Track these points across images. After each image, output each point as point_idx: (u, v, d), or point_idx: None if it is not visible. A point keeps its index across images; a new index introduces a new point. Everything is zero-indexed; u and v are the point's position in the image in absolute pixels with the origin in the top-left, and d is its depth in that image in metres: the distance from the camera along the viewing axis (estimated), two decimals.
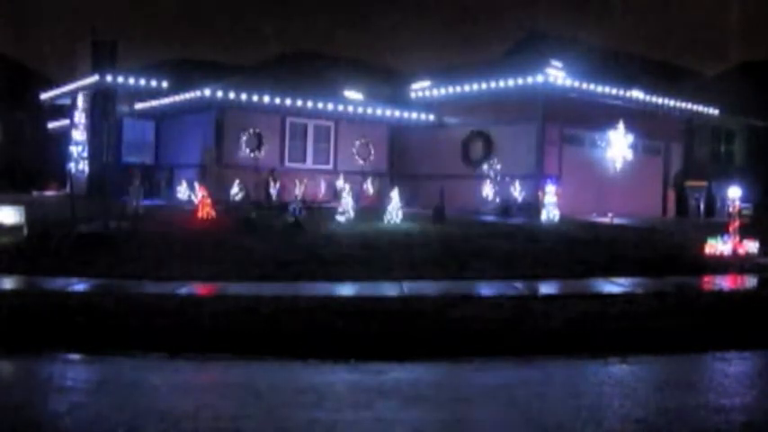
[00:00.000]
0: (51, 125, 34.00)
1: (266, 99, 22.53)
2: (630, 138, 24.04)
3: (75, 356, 6.71)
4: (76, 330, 7.11)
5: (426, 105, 25.58)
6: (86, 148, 25.58)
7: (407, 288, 9.31)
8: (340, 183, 23.35)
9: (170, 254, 11.56)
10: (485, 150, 23.59)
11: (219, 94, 21.77)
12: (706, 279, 10.88)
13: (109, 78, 23.82)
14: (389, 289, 9.31)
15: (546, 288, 9.88)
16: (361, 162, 24.92)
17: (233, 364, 6.57)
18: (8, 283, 9.22)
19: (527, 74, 22.38)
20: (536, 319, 7.66)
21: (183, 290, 9.01)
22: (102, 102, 24.73)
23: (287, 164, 23.55)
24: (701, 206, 25.29)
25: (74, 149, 26.21)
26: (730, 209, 13.61)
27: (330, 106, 23.58)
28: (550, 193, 18.87)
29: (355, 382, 6.03)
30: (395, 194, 17.14)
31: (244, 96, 22.20)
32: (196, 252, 11.79)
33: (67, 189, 23.65)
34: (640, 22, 66.73)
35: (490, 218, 19.61)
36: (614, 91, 23.57)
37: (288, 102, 22.79)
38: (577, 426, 4.70)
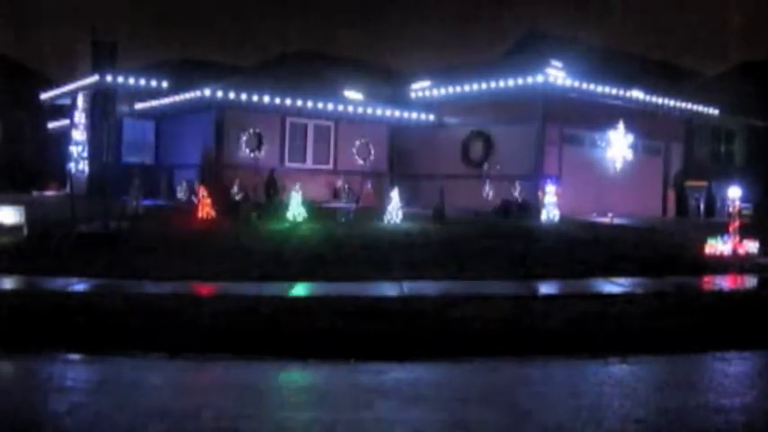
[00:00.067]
0: (51, 125, 33.99)
1: (266, 99, 22.53)
2: (630, 138, 24.05)
3: (75, 356, 6.71)
4: (76, 330, 7.11)
5: (426, 105, 25.58)
6: (86, 148, 25.59)
7: (407, 288, 9.32)
8: (340, 183, 23.37)
9: (170, 254, 11.56)
10: (485, 150, 23.59)
11: (219, 94, 21.77)
12: (706, 279, 10.88)
13: (109, 78, 23.82)
14: (389, 289, 9.31)
15: (546, 288, 9.88)
16: (361, 162, 24.92)
17: (233, 364, 6.57)
18: (8, 283, 9.22)
19: (527, 74, 22.38)
20: (536, 319, 7.66)
21: (183, 290, 9.01)
22: (102, 102, 24.73)
23: (287, 164, 23.55)
24: (701, 206, 25.29)
25: (74, 149, 26.22)
26: (730, 209, 13.61)
27: (330, 106, 23.58)
28: (550, 193, 18.87)
29: (355, 382, 6.03)
30: (395, 194, 17.14)
31: (244, 96, 22.20)
32: (196, 252, 11.79)
33: (67, 189, 23.65)
34: (640, 21, 66.73)
35: (490, 218, 19.61)
36: (614, 91, 23.57)
37: (288, 102, 22.79)
38: (577, 426, 4.70)
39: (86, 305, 7.92)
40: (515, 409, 5.26)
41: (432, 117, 25.46)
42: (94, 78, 24.21)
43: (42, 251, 11.44)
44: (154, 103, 24.87)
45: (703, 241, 13.03)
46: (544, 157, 22.34)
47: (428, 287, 9.48)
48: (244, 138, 22.65)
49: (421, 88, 26.02)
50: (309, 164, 24.19)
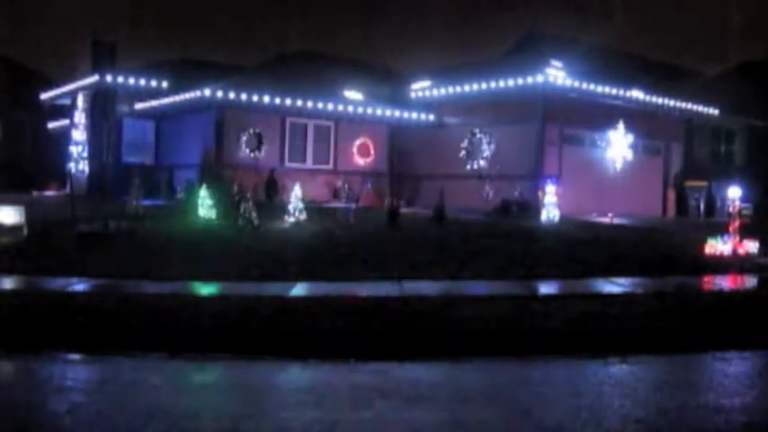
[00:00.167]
0: (51, 125, 34.02)
1: (266, 99, 22.54)
2: (630, 138, 24.06)
3: (76, 356, 6.70)
4: (77, 330, 7.11)
5: (426, 105, 25.59)
6: (86, 148, 25.61)
7: (407, 288, 9.31)
8: (340, 183, 23.37)
9: (170, 254, 11.56)
10: (485, 150, 23.58)
11: (219, 94, 21.78)
12: (706, 279, 10.87)
13: (109, 78, 23.84)
14: (389, 289, 9.30)
15: (546, 288, 9.87)
16: (361, 162, 24.93)
17: (233, 364, 6.57)
18: (8, 283, 9.21)
19: (527, 74, 22.39)
20: (536, 319, 7.65)
21: (183, 290, 9.01)
22: (102, 102, 24.76)
23: (287, 164, 23.57)
24: (701, 206, 25.31)
25: (74, 149, 26.24)
26: (730, 209, 13.60)
27: (330, 106, 23.59)
28: (550, 193, 18.88)
29: (355, 382, 6.03)
30: (395, 194, 17.14)
31: (244, 96, 22.21)
32: (196, 252, 11.79)
33: (67, 189, 23.67)
34: (640, 21, 66.74)
35: (490, 218, 19.61)
36: (614, 91, 23.58)
37: (288, 102, 22.80)
38: (577, 426, 4.70)
39: (86, 305, 7.92)
40: (515, 409, 5.25)
41: (432, 117, 25.47)
42: (94, 78, 24.23)
43: (42, 251, 11.44)
44: (154, 103, 24.89)
45: (703, 241, 13.03)
46: (544, 157, 22.35)
47: (428, 287, 9.47)
48: (244, 138, 22.67)
49: (421, 88, 26.02)
50: (309, 164, 24.21)
